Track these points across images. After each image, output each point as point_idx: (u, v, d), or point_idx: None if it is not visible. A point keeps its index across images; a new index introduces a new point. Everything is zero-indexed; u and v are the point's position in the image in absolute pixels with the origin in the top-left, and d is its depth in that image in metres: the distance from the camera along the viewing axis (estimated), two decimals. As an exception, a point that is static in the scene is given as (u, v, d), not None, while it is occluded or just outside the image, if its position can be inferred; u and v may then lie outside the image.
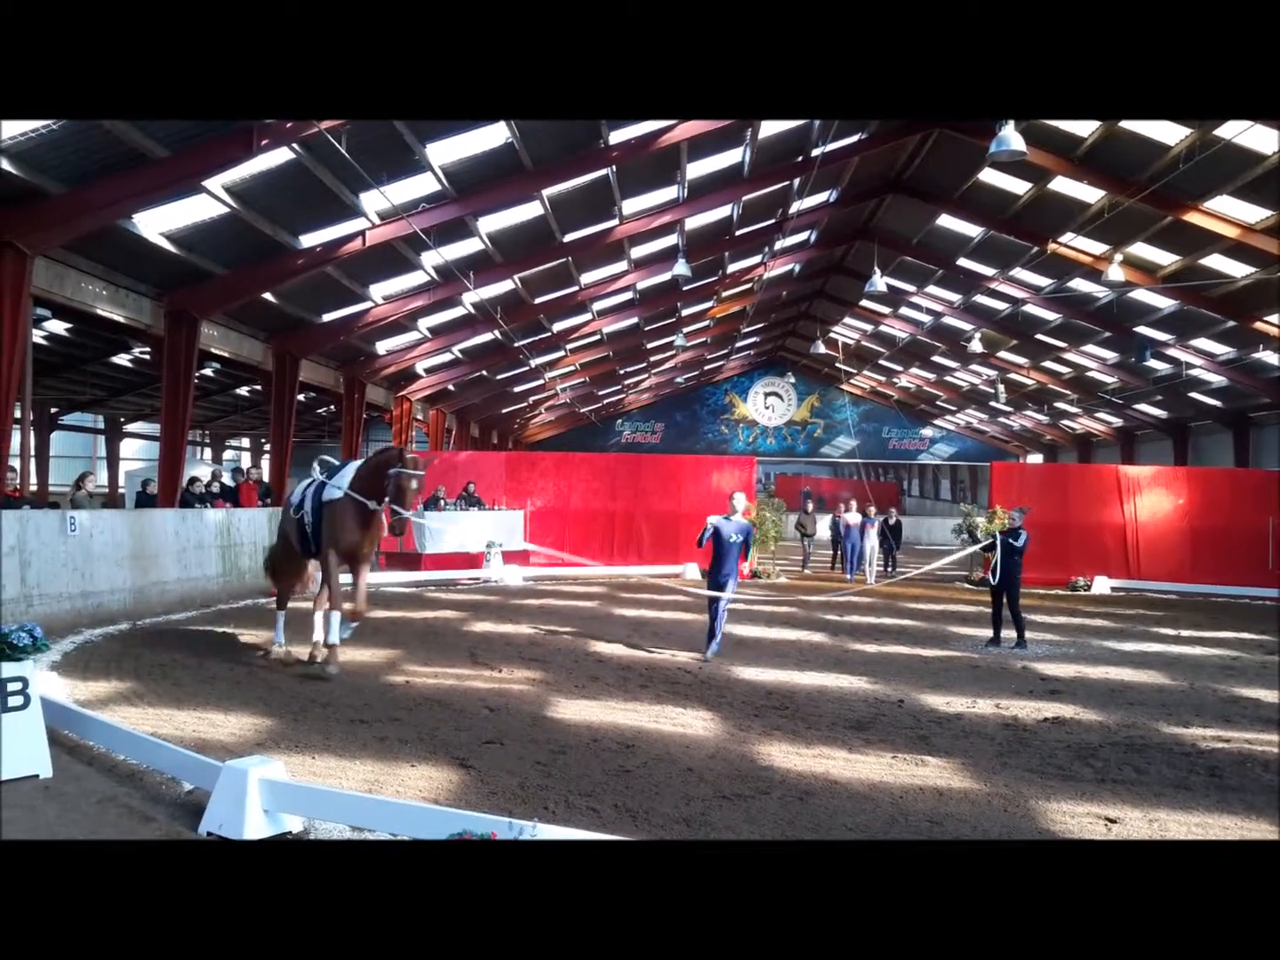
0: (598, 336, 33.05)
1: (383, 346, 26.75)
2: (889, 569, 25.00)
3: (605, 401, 47.41)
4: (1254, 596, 20.99)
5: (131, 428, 39.94)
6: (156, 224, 15.84)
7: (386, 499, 9.73)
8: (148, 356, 23.28)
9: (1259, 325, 24.35)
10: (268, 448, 27.69)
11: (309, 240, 18.15)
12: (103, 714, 7.46)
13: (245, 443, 50.10)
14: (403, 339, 26.91)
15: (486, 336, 28.25)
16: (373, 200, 17.11)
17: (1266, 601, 20.39)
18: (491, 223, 20.19)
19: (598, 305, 29.14)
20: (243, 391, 34.31)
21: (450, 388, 33.49)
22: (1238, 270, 22.31)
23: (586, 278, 25.96)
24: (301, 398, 27.22)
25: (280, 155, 14.58)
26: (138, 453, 44.22)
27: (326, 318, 22.81)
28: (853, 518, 23.29)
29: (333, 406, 32.92)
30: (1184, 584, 22.12)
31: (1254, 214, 19.75)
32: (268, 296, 19.97)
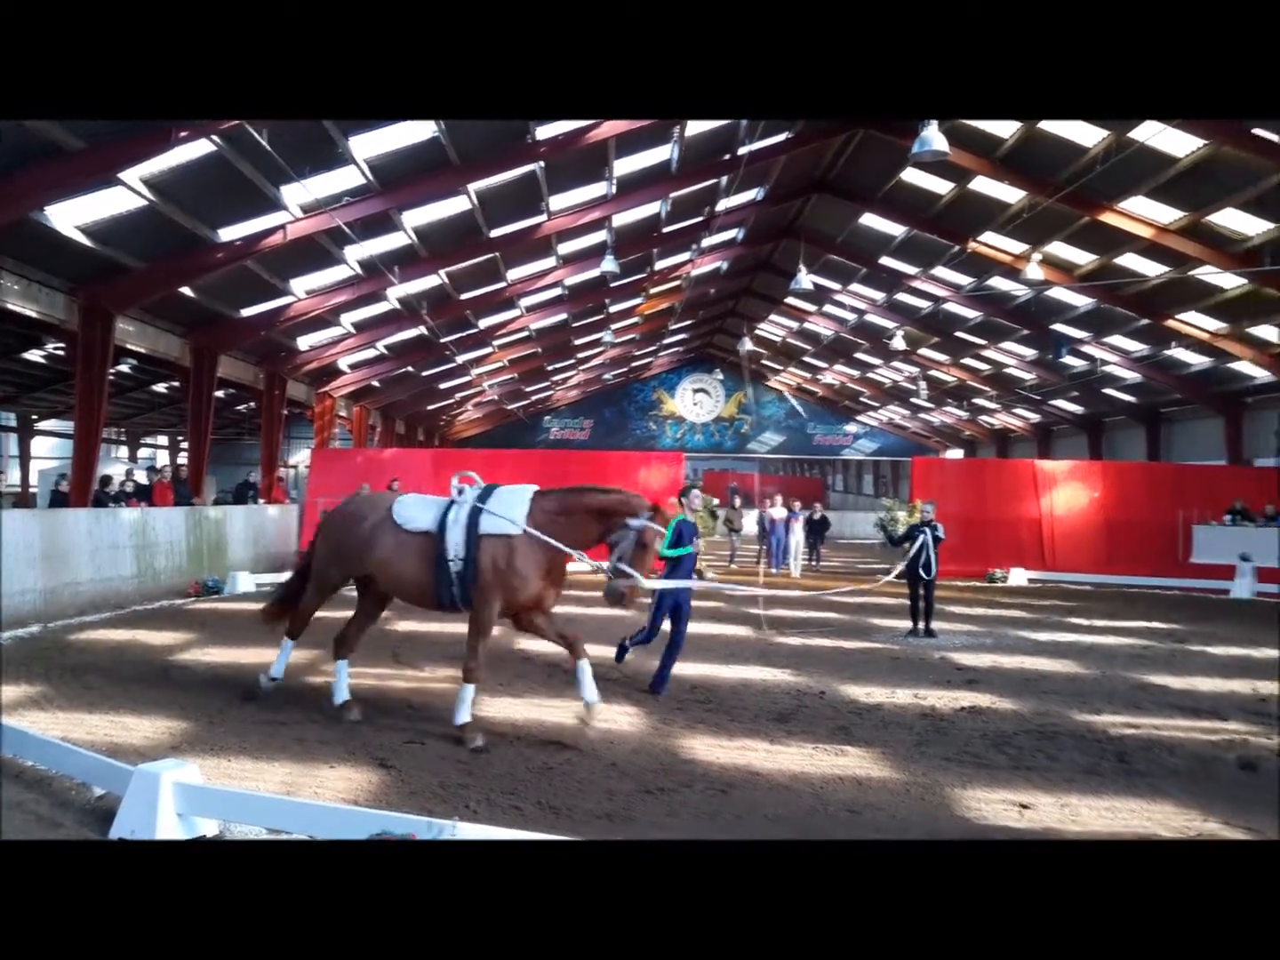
0: (526, 333, 32.93)
1: (304, 342, 26.36)
2: (814, 561, 25.31)
3: (533, 398, 47.25)
4: (1165, 587, 21.63)
5: (44, 425, 38.83)
6: (71, 217, 15.43)
7: (616, 556, 7.64)
8: (62, 352, 22.68)
9: (1171, 323, 25.11)
10: (185, 445, 27.12)
11: (228, 234, 17.82)
12: (10, 719, 7.25)
13: (162, 440, 49.01)
14: (325, 334, 26.54)
15: (412, 332, 28.00)
16: (295, 193, 16.85)
17: (1176, 592, 21.04)
18: (417, 217, 20.01)
19: (526, 301, 29.04)
20: (160, 388, 33.57)
21: (375, 384, 33.12)
22: (1151, 269, 22.96)
23: (514, 273, 25.85)
24: (220, 394, 26.76)
25: (200, 147, 14.29)
26: (51, 451, 43.02)
27: (246, 312, 22.41)
28: (778, 513, 23.54)
29: (253, 403, 32.35)
30: (1098, 575, 22.71)
31: (1167, 215, 20.33)
32: (186, 291, 19.56)
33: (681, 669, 10.83)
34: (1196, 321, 24.94)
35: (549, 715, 8.52)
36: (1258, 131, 16.10)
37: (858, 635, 13.80)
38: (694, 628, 14.04)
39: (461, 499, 8.00)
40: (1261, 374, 26.19)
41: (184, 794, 5.30)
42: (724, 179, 22.89)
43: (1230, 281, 21.95)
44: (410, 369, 32.86)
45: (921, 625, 13.57)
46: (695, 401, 50.15)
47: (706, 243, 27.52)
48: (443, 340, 28.92)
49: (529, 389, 44.58)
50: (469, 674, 7.70)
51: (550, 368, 40.91)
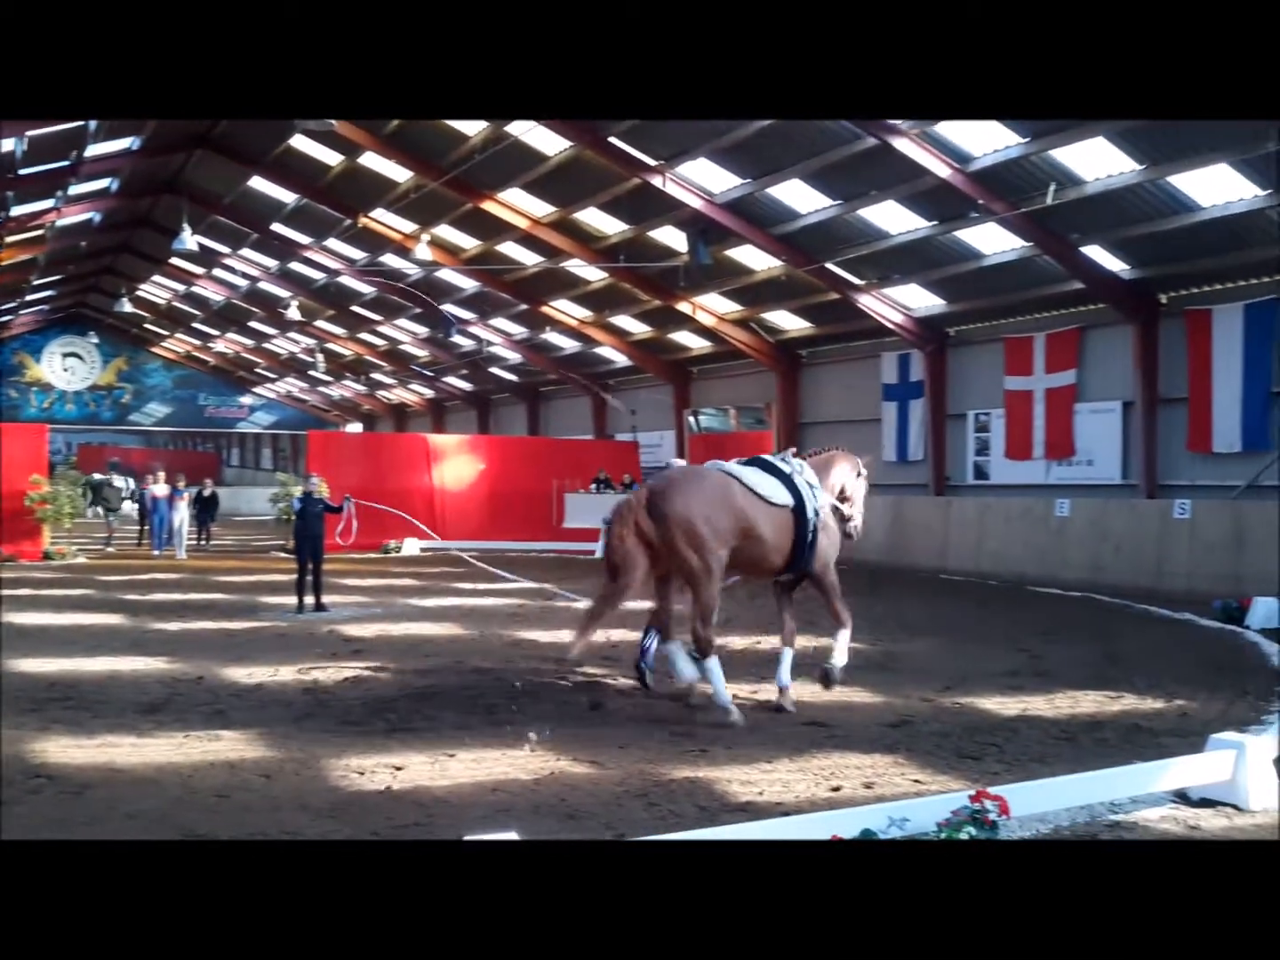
0: None
1: None
2: (203, 541, 24.08)
3: None
4: (542, 550, 23.65)
5: None
6: None
7: (851, 509, 9.06)
8: None
9: (546, 309, 27.40)
10: None
11: None
12: None
13: None
14: None
15: None
16: None
17: (551, 554, 23.11)
18: None
19: None
20: None
21: None
22: (528, 259, 24.83)
23: None
24: None
25: None
26: None
27: None
28: (160, 489, 21.93)
29: None
30: (484, 541, 24.21)
31: (540, 208, 22.07)
32: None
33: (38, 665, 9.76)
34: (567, 309, 27.49)
35: None
36: (614, 140, 18.05)
37: (244, 615, 13.36)
38: (57, 619, 12.72)
39: (798, 470, 8.34)
40: (620, 359, 29.54)
41: None
42: (93, 122, 20.70)
43: (594, 275, 24.45)
44: None
45: (310, 600, 13.46)
46: (66, 367, 44.98)
47: (74, 190, 24.76)
48: None
49: None
50: (844, 618, 8.42)
51: None
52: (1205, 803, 5.76)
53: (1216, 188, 14.27)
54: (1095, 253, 16.68)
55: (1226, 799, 5.71)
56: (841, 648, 8.40)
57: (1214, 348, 16.02)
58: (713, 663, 7.72)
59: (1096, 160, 14.61)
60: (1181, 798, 5.86)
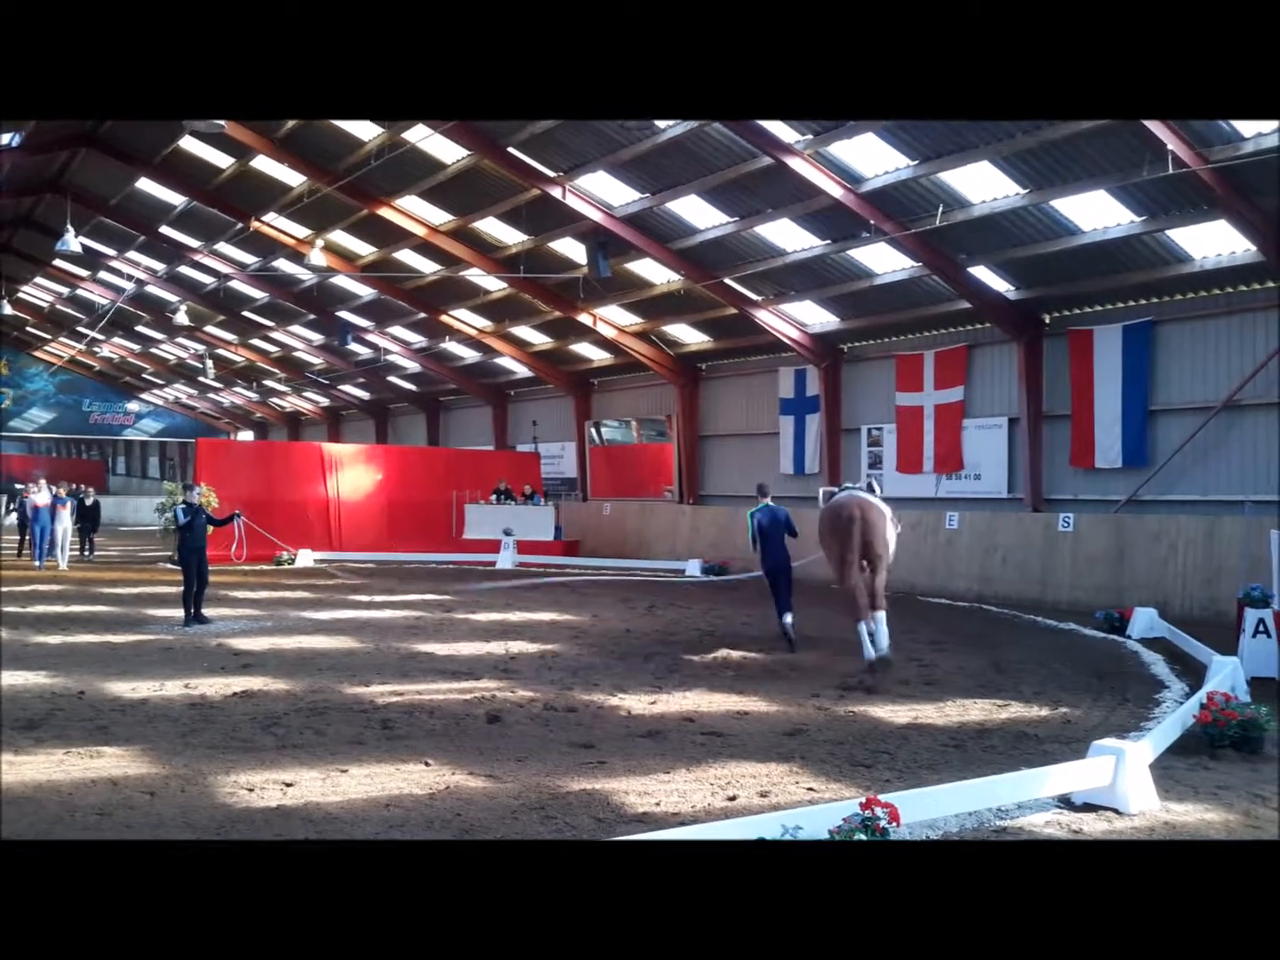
0: None
1: None
2: (86, 552, 23.22)
3: None
4: (441, 561, 23.39)
5: None
6: None
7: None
8: None
9: (445, 318, 27.13)
10: None
11: None
12: None
13: None
14: None
15: None
16: None
17: (450, 566, 22.86)
18: None
19: None
20: None
21: None
22: (427, 266, 24.57)
23: None
24: None
25: None
26: None
27: None
28: (41, 498, 21.09)
29: None
30: (382, 553, 23.83)
31: (438, 216, 21.87)
32: None
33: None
34: (467, 319, 27.25)
35: None
36: (513, 150, 17.97)
37: (129, 628, 12.92)
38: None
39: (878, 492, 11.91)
40: (521, 369, 29.38)
41: None
42: (-31, 116, 19.88)
43: (494, 284, 24.31)
44: None
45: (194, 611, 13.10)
46: (-61, 370, 43.09)
47: (-52, 187, 23.74)
48: None
49: None
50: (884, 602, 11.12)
51: None
52: (1088, 807, 5.96)
53: (1096, 213, 14.86)
54: (982, 273, 17.20)
55: (1107, 803, 5.92)
56: (884, 624, 10.88)
57: (1095, 367, 16.65)
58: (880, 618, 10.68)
59: (982, 184, 15.09)
60: (1065, 802, 6.05)
